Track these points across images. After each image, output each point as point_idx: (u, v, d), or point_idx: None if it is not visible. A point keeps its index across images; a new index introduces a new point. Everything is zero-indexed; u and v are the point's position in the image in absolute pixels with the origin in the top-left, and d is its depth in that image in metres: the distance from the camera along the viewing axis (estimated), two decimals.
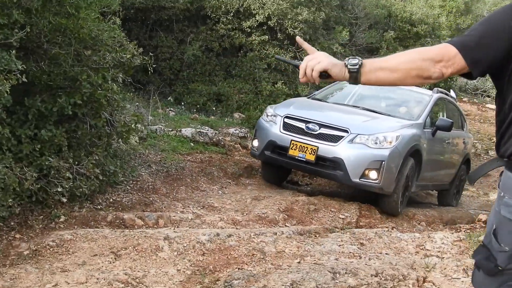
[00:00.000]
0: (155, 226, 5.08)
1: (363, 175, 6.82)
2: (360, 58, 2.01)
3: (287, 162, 7.21)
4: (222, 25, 10.54)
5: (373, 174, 6.80)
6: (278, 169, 8.01)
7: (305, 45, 2.17)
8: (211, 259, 4.26)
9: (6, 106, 4.53)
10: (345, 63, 2.01)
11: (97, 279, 3.64)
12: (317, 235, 5.22)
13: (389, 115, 7.79)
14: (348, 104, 8.25)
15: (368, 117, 7.60)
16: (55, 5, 5.12)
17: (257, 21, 10.58)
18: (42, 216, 4.83)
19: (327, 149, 6.89)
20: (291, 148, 7.02)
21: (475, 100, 20.92)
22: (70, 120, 5.25)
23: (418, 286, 4.15)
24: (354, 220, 6.77)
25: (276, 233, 4.91)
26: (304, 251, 4.50)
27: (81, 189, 5.12)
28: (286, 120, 7.32)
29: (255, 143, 7.57)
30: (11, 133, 4.68)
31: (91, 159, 5.22)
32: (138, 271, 3.88)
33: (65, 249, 4.17)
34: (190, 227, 5.08)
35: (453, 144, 8.93)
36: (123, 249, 4.22)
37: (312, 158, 6.90)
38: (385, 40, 12.16)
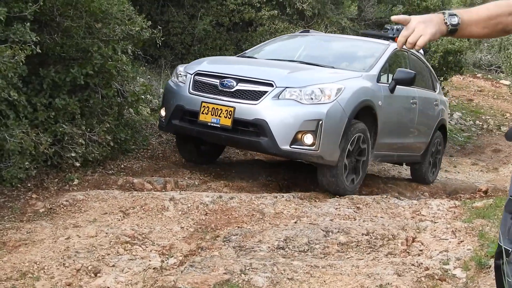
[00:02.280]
0: (163, 190, 5.38)
1: (295, 140, 5.42)
2: (457, 14, 2.08)
3: (198, 131, 5.77)
4: (232, 0, 10.73)
5: (307, 138, 5.42)
6: (198, 141, 6.49)
7: (401, 18, 2.16)
8: (213, 219, 4.56)
9: (22, 75, 4.82)
10: (445, 22, 2.06)
11: (106, 233, 3.95)
12: (317, 200, 5.48)
13: (332, 67, 6.43)
14: (283, 59, 6.78)
15: (301, 69, 6.25)
16: None
17: None
18: (57, 179, 5.16)
19: (246, 109, 5.49)
20: (202, 113, 5.62)
21: (489, 76, 20.96)
22: (82, 89, 5.54)
23: (406, 245, 4.40)
24: (356, 189, 7.03)
25: (276, 197, 5.20)
26: (301, 212, 4.77)
27: (93, 155, 5.44)
28: (196, 77, 5.91)
29: (162, 112, 6.15)
30: (27, 101, 4.98)
31: (102, 126, 5.53)
32: (144, 228, 4.19)
33: (77, 208, 4.48)
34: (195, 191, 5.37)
35: (421, 105, 7.50)
36: (131, 208, 4.53)
37: (228, 123, 5.49)
38: (394, 15, 12.23)
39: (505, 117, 16.91)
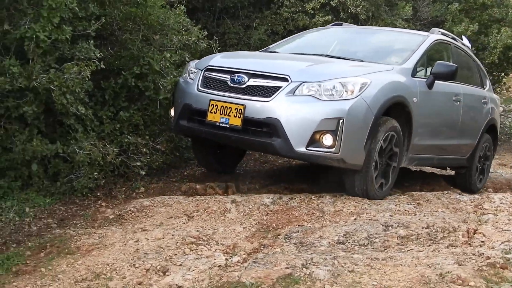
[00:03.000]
0: (225, 194, 5.55)
1: (312, 142, 4.84)
2: None
3: (207, 132, 5.24)
4: (286, 9, 10.85)
5: (327, 139, 4.84)
6: (215, 145, 6.00)
7: None
8: (274, 218, 4.69)
9: (87, 90, 5.11)
10: None
11: (172, 235, 4.13)
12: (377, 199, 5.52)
13: (360, 61, 5.77)
14: (308, 53, 6.15)
15: (322, 62, 5.63)
16: None
17: (320, 2, 10.82)
18: (124, 188, 5.42)
19: (257, 107, 4.93)
20: (210, 112, 5.11)
21: None
22: (140, 98, 5.77)
23: (468, 237, 4.41)
24: (417, 188, 7.02)
25: (336, 196, 5.27)
26: (360, 209, 4.84)
27: (157, 163, 5.68)
28: (206, 73, 5.38)
29: (172, 112, 5.73)
30: (93, 114, 5.27)
31: (164, 135, 5.77)
32: (208, 229, 4.35)
33: (144, 213, 4.70)
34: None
35: (466, 103, 6.70)
36: (195, 211, 4.71)
37: (238, 122, 4.96)
38: (450, 13, 12.11)
39: None
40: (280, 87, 4.91)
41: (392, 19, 11.28)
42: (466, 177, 7.40)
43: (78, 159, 4.91)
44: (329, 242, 4.04)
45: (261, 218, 4.69)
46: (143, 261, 3.70)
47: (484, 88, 7.70)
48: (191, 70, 5.58)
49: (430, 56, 6.20)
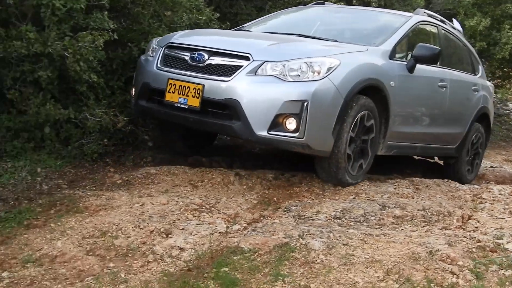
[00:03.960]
0: (229, 168, 5.70)
1: (275, 125, 4.49)
2: None
3: (166, 113, 4.94)
4: None
5: (290, 123, 4.50)
6: (180, 127, 5.54)
7: None
8: (275, 193, 4.85)
9: (100, 60, 5.26)
10: None
11: (177, 202, 4.30)
12: (377, 180, 5.66)
13: (335, 41, 5.42)
14: (281, 32, 5.77)
15: (290, 40, 5.31)
16: None
17: None
18: (132, 156, 5.59)
19: (216, 87, 4.59)
20: (168, 91, 4.80)
21: None
22: None
23: (462, 222, 4.56)
24: (419, 175, 7.14)
25: None
26: (360, 189, 4.98)
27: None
28: (167, 51, 5.08)
29: (133, 91, 5.36)
30: (105, 84, 5.42)
31: None
32: (212, 199, 4.52)
33: (151, 180, 4.86)
34: None
35: (453, 89, 6.40)
36: (200, 181, 4.87)
37: (196, 103, 4.64)
38: (463, 6, 12.18)
39: None
40: (241, 66, 4.58)
41: (404, 9, 11.34)
42: (455, 168, 7.15)
43: (89, 125, 5.09)
44: (326, 217, 4.20)
45: (263, 191, 4.86)
46: (147, 223, 3.87)
47: (476, 75, 7.41)
48: (153, 48, 5.27)
49: (413, 38, 5.88)
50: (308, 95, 4.47)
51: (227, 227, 3.99)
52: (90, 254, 3.46)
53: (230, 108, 4.54)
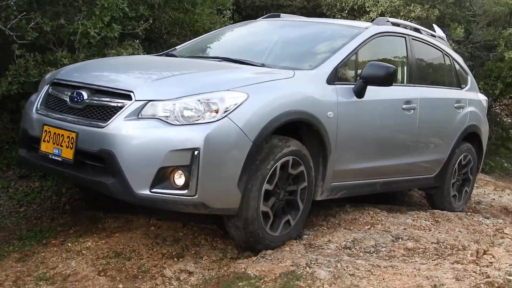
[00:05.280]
0: None
1: (159, 181, 3.61)
2: None
3: (42, 166, 4.16)
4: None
5: (178, 178, 3.62)
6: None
7: None
8: None
9: None
10: None
11: (192, 226, 4.43)
12: (397, 212, 5.68)
13: (261, 65, 4.59)
14: (206, 56, 5.18)
15: (191, 69, 4.44)
16: (175, 1, 6.05)
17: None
18: None
19: (91, 135, 3.74)
20: (43, 140, 3.98)
21: None
22: None
23: (476, 256, 4.53)
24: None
25: (355, 205, 5.47)
26: (376, 220, 5.02)
27: None
28: (51, 89, 4.27)
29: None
30: None
31: None
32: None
33: None
34: None
35: (426, 110, 5.54)
36: None
37: (69, 155, 3.80)
38: (503, 37, 12.07)
39: None
40: (121, 108, 3.72)
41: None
42: (438, 197, 6.33)
43: None
44: (336, 246, 4.26)
45: None
46: (160, 246, 4.01)
47: (462, 88, 6.51)
48: (42, 85, 4.46)
49: (368, 55, 5.03)
50: (200, 142, 3.56)
51: (238, 253, 4.10)
52: (101, 274, 3.62)
53: (105, 161, 3.67)
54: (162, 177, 3.59)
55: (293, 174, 4.21)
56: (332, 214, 5.12)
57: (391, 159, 5.26)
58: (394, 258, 4.20)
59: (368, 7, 11.00)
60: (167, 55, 5.26)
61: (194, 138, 3.57)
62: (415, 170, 5.73)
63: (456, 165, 6.28)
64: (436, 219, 5.53)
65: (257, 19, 6.14)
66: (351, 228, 4.79)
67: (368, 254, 4.21)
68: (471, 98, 6.53)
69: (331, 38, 5.12)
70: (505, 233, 5.55)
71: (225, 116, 3.67)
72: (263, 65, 4.58)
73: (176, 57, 5.15)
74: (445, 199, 6.30)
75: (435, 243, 4.57)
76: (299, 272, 3.70)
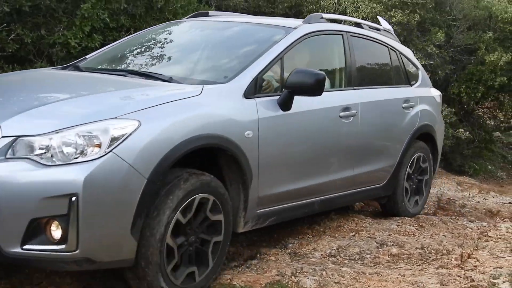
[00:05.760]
0: None
1: (32, 236, 2.92)
2: None
3: None
4: None
5: (54, 230, 2.94)
6: None
7: None
8: (275, 230, 4.92)
9: None
10: None
11: None
12: (382, 218, 5.70)
13: (169, 79, 3.89)
14: (113, 68, 4.45)
15: (86, 90, 3.74)
16: (156, 12, 6.03)
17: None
18: None
19: None
20: None
21: None
22: None
23: (461, 261, 4.56)
24: (431, 212, 7.13)
25: (340, 213, 5.48)
26: (361, 227, 5.04)
27: None
28: None
29: None
30: None
31: None
32: None
33: None
34: None
35: (369, 114, 4.95)
36: None
37: None
38: (484, 41, 12.17)
39: None
40: None
41: (423, 44, 11.44)
42: (391, 206, 5.77)
43: None
44: (321, 255, 4.27)
45: (263, 229, 4.93)
46: None
47: (412, 85, 5.93)
48: None
49: (298, 58, 4.47)
50: (78, 185, 2.88)
51: (224, 264, 4.08)
52: None
53: None
54: (35, 230, 2.92)
55: (207, 216, 3.51)
56: (317, 222, 5.12)
57: (329, 175, 4.61)
58: (379, 265, 4.21)
59: (349, 13, 11.05)
60: (73, 66, 4.54)
61: (71, 181, 2.89)
62: (360, 182, 5.07)
63: (408, 168, 5.70)
64: (421, 224, 5.56)
65: (182, 19, 5.50)
66: (336, 235, 4.80)
67: (353, 262, 4.23)
68: (422, 95, 5.96)
69: (255, 42, 4.48)
70: (489, 236, 5.59)
71: (110, 151, 2.99)
72: (170, 79, 3.92)
73: (80, 70, 4.42)
74: (398, 207, 5.74)
75: (419, 248, 4.59)
76: (284, 282, 3.70)
